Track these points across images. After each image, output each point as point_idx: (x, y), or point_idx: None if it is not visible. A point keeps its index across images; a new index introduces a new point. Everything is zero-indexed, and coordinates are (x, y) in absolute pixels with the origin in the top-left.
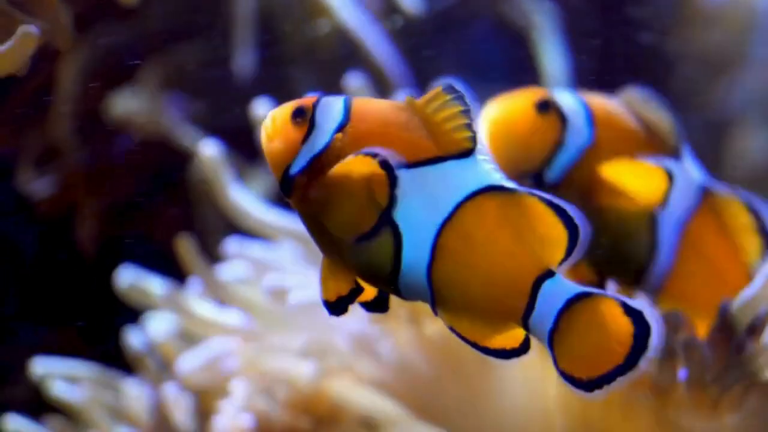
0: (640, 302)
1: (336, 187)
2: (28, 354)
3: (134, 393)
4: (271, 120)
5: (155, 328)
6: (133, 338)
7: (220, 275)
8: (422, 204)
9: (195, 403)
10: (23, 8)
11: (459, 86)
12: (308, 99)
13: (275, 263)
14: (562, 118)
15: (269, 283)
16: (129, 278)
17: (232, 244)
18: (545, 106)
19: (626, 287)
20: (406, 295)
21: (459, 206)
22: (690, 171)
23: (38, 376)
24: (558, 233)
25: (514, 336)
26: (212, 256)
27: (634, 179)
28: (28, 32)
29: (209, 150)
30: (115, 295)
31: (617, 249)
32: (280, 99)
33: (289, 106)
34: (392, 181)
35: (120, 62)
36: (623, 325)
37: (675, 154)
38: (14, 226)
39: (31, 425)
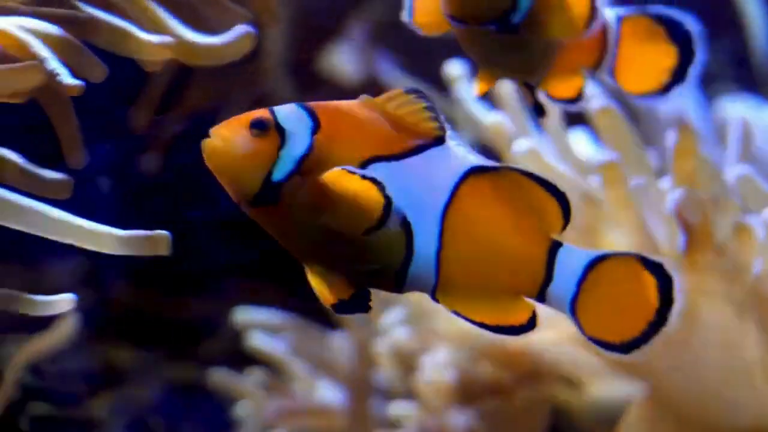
0: (658, 257)
1: (338, 184)
2: (230, 307)
3: (337, 346)
4: (228, 135)
5: None
6: None
7: None
8: (421, 192)
9: (398, 358)
10: None
11: (420, 88)
12: (258, 111)
13: None
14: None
15: None
16: None
17: None
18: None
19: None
20: (409, 286)
21: (455, 189)
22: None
23: (239, 326)
24: (549, 204)
25: (521, 312)
26: None
27: None
28: (248, 33)
29: None
30: None
31: None
32: None
33: (241, 120)
34: (381, 186)
35: (327, 16)
36: (647, 281)
37: None
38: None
39: (235, 377)
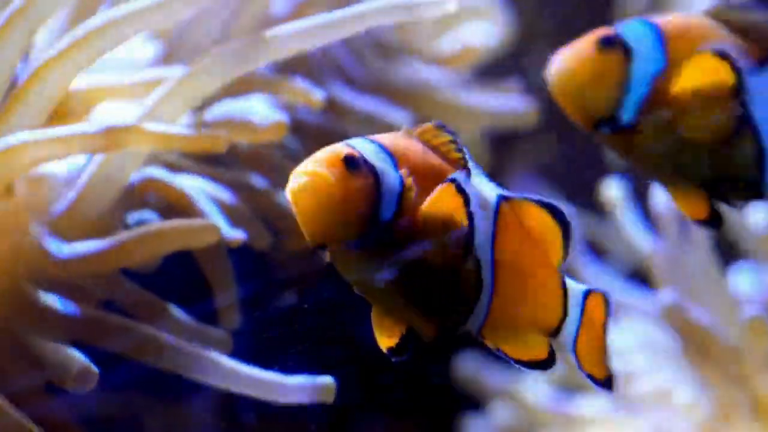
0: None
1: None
2: None
3: None
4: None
5: (497, 418)
6: (474, 428)
7: None
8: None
9: None
10: None
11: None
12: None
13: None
14: (626, 51)
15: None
16: (468, 367)
17: None
18: (607, 42)
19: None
20: (472, 318)
21: (495, 220)
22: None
23: None
24: (554, 232)
25: (542, 346)
26: None
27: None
28: None
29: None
30: (454, 384)
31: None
32: None
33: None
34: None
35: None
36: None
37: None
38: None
39: None
